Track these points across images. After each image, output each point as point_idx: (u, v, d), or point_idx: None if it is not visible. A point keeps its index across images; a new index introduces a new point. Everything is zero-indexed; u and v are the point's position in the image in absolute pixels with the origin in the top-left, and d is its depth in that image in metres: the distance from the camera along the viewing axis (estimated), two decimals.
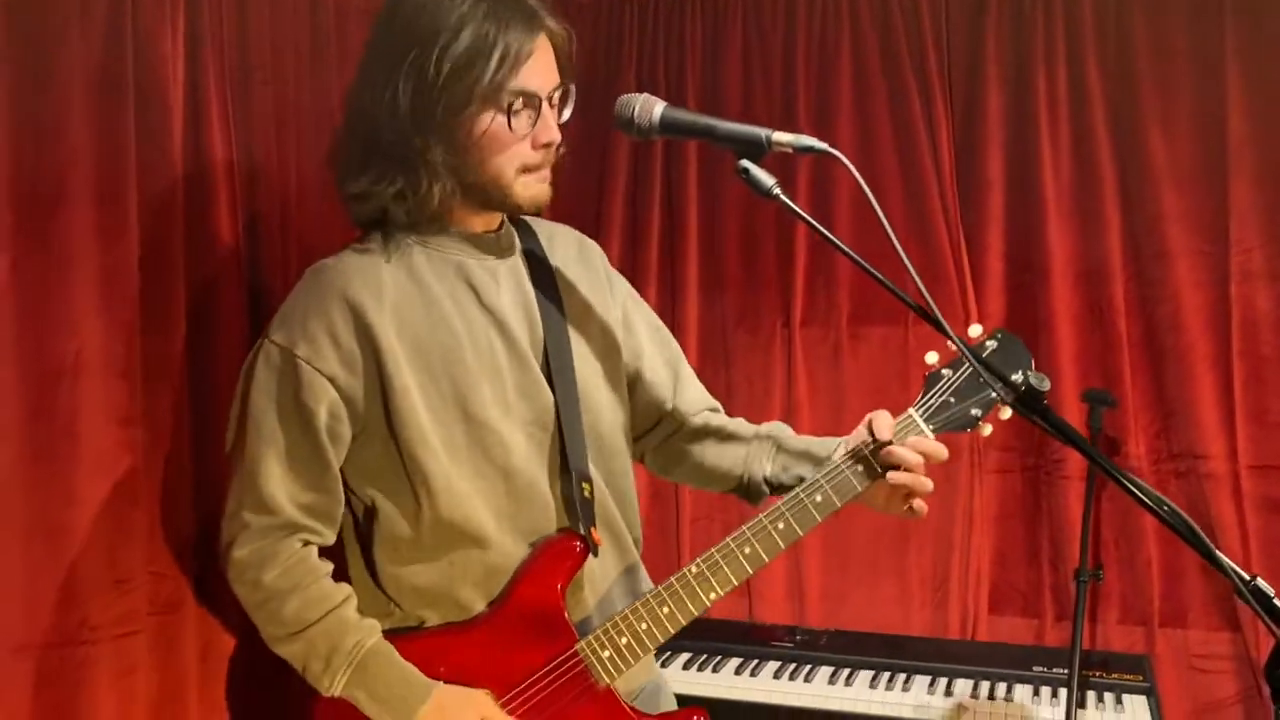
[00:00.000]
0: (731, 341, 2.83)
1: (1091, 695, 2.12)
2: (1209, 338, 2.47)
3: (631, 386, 1.68)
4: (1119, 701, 2.12)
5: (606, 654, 1.48)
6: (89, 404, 1.63)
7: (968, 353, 1.31)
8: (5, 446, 1.54)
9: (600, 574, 1.55)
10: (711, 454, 1.68)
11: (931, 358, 1.49)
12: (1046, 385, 1.31)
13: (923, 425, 1.47)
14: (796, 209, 1.40)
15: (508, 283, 1.53)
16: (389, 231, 1.50)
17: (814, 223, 1.40)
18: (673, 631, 1.48)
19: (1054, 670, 2.24)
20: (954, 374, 1.48)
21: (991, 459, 2.62)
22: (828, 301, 2.74)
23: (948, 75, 2.67)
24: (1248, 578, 1.19)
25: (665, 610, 1.47)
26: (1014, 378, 1.34)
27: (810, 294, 2.75)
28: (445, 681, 1.46)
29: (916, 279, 1.31)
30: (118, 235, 1.68)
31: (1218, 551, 1.21)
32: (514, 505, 1.50)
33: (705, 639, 2.42)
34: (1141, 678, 2.21)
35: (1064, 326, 2.55)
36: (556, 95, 1.46)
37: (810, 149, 1.38)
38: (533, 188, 1.47)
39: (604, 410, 1.59)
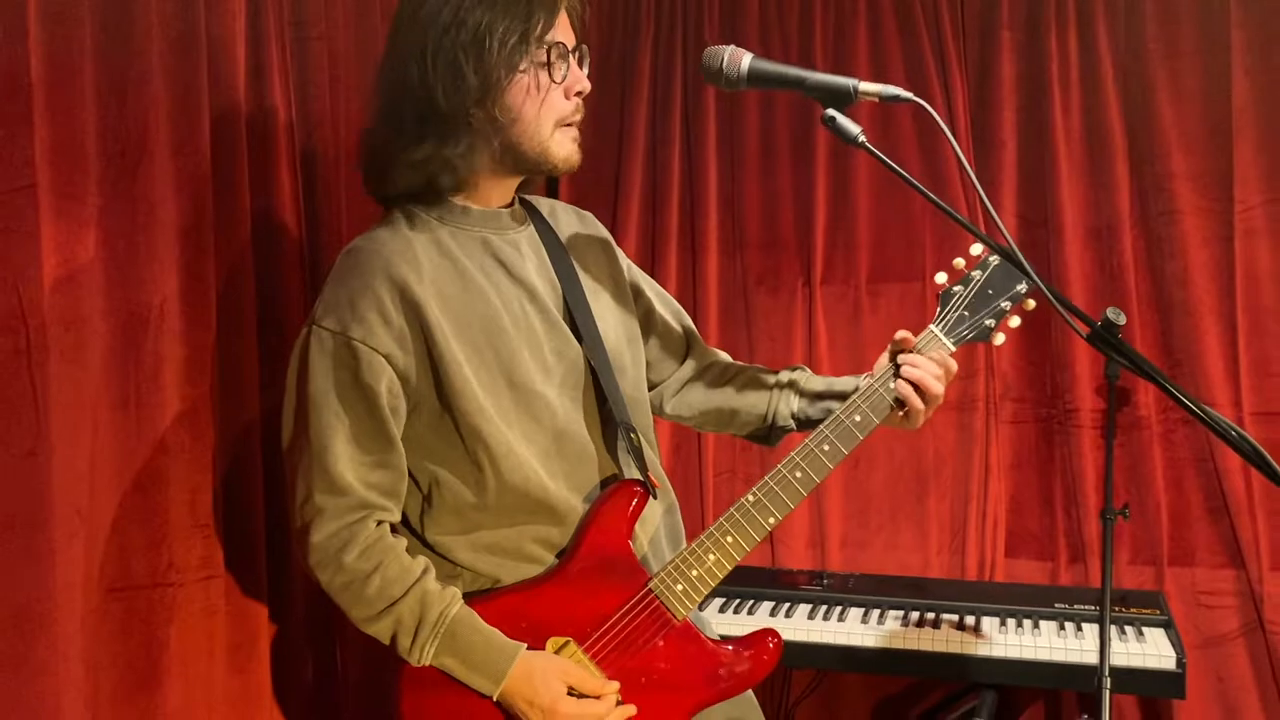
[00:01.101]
0: (752, 301, 2.91)
1: (1114, 629, 2.23)
2: (1214, 292, 2.59)
3: (647, 337, 1.76)
4: (1140, 634, 2.24)
5: (680, 588, 1.53)
6: (173, 354, 1.68)
7: (1054, 299, 1.38)
8: (98, 395, 1.57)
9: (650, 517, 1.61)
10: (735, 395, 1.75)
11: (941, 278, 1.59)
12: (1123, 320, 1.39)
13: (944, 339, 1.57)
14: (881, 155, 1.45)
15: (529, 252, 1.59)
16: (410, 210, 1.54)
17: (898, 169, 1.46)
18: (738, 559, 1.54)
19: (1075, 606, 2.35)
20: (965, 289, 1.58)
21: (1007, 410, 2.73)
22: (846, 261, 2.83)
23: (962, 38, 2.76)
24: None
25: (730, 539, 1.53)
26: (1020, 287, 1.55)
27: (829, 254, 2.84)
28: (528, 637, 1.50)
29: (995, 217, 1.36)
30: (194, 187, 1.72)
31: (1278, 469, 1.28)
32: (566, 464, 1.55)
33: (736, 585, 2.51)
34: (1159, 611, 2.33)
35: (1076, 282, 2.66)
36: (579, 54, 1.52)
37: (896, 98, 1.44)
38: (566, 145, 1.52)
39: (627, 365, 1.66)
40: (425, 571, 1.51)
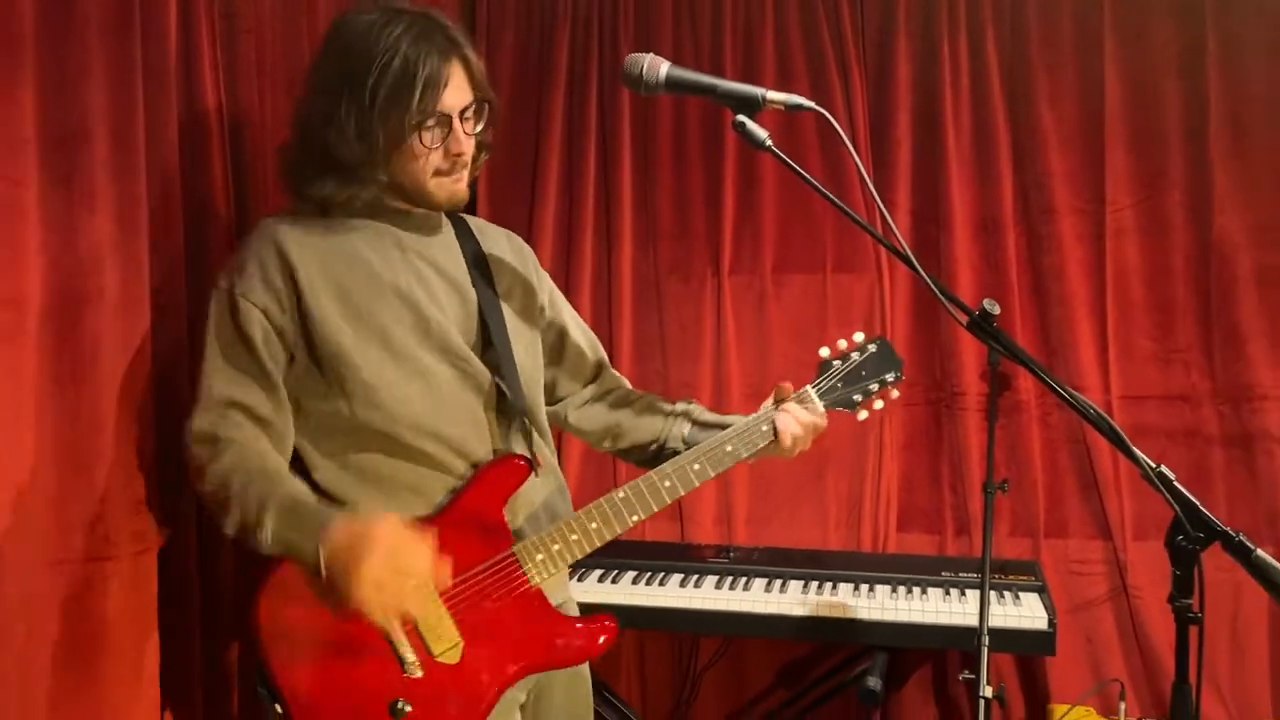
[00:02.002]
0: (665, 290, 3.04)
1: (993, 594, 2.43)
2: (1087, 286, 2.82)
3: (559, 358, 1.94)
4: (1017, 598, 2.44)
5: (540, 557, 1.68)
6: (110, 334, 1.73)
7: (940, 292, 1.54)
8: (38, 375, 1.62)
9: (533, 494, 1.75)
10: (634, 416, 1.93)
11: (824, 351, 1.83)
12: (997, 310, 1.56)
13: (817, 400, 1.81)
14: (788, 160, 1.60)
15: (437, 246, 1.77)
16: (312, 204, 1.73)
17: (803, 173, 1.61)
18: (598, 544, 1.70)
19: (959, 575, 2.55)
20: (843, 365, 1.83)
21: (900, 394, 2.91)
22: (753, 252, 2.98)
23: (862, 44, 2.93)
24: (1154, 465, 1.45)
25: (594, 526, 1.70)
26: (889, 376, 1.84)
27: (737, 245, 2.99)
28: None
29: (892, 225, 1.52)
30: (130, 172, 1.77)
31: (1133, 447, 1.46)
32: (448, 427, 1.68)
33: (647, 559, 2.65)
34: (1034, 578, 2.54)
35: (964, 274, 2.86)
36: (470, 111, 1.68)
37: (800, 106, 1.59)
38: (447, 188, 1.71)
39: (528, 368, 1.82)
40: (288, 472, 1.64)
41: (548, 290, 1.94)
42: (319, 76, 1.68)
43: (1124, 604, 2.78)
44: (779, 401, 1.81)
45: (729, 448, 1.77)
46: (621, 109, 3.03)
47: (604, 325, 3.02)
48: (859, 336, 1.84)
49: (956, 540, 2.87)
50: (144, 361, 1.79)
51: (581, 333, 1.98)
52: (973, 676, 2.18)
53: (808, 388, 1.81)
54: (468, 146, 1.69)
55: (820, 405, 1.81)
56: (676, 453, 1.85)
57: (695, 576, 2.60)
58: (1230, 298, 2.75)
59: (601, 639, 1.69)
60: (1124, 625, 2.79)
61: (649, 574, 2.62)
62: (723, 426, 1.84)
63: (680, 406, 1.93)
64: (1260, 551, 1.43)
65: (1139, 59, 2.78)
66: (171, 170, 1.87)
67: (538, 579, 1.68)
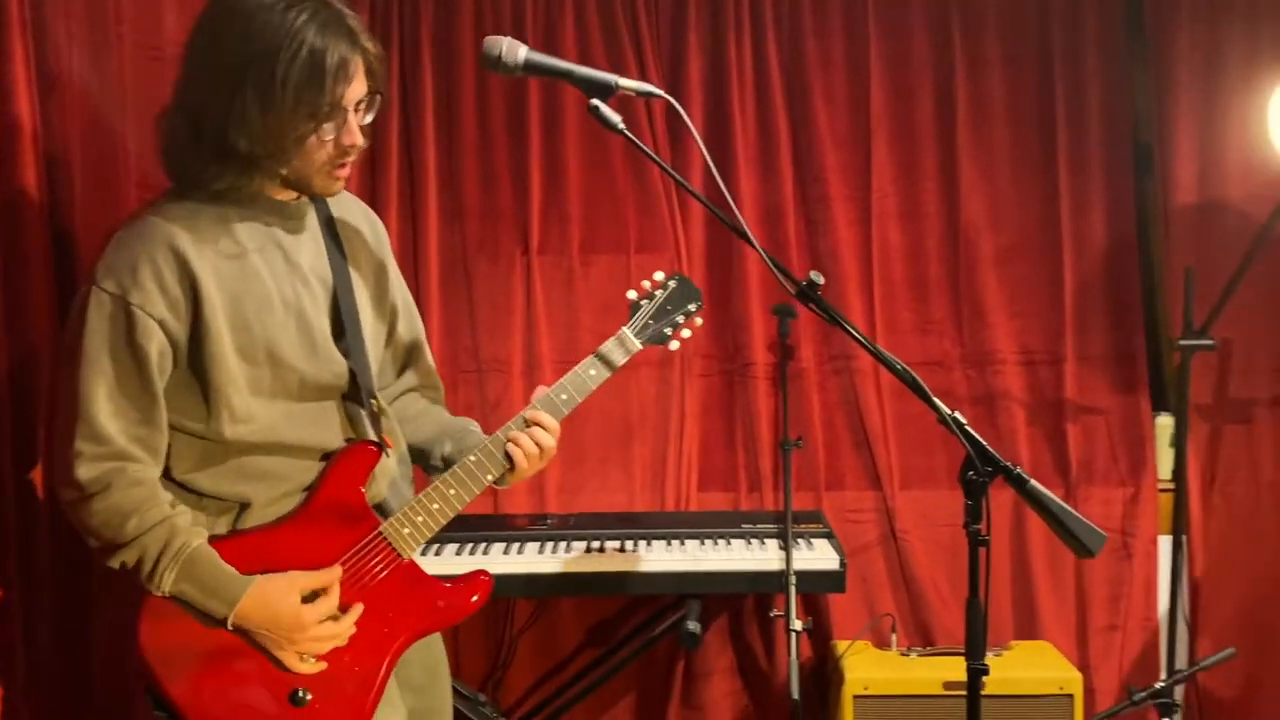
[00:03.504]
0: (473, 268, 3.14)
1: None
2: (857, 265, 3.17)
3: (387, 344, 1.96)
4: (810, 544, 2.72)
5: (406, 531, 1.74)
6: None
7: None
8: None
9: (387, 468, 1.81)
10: (412, 424, 1.96)
11: (631, 294, 1.94)
12: (821, 280, 1.79)
13: (634, 339, 1.92)
14: (638, 143, 1.76)
15: (308, 241, 1.76)
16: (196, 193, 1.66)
17: (655, 156, 1.78)
18: (459, 509, 1.78)
19: (757, 526, 2.81)
20: (650, 304, 1.95)
21: (697, 365, 3.16)
22: (561, 232, 3.13)
23: (657, 38, 3.13)
24: (950, 412, 1.71)
25: (452, 492, 1.78)
26: (691, 306, 1.94)
27: (545, 225, 3.12)
28: (262, 574, 1.62)
29: (733, 205, 1.71)
30: None
31: (932, 396, 1.71)
32: (312, 426, 1.73)
33: (469, 530, 2.74)
34: (821, 525, 2.84)
35: (752, 254, 3.10)
36: (363, 103, 1.67)
37: (649, 93, 1.75)
38: (329, 180, 1.69)
39: (377, 349, 1.88)
40: (178, 511, 1.62)
41: (394, 273, 1.95)
42: (210, 60, 1.59)
43: (892, 547, 3.15)
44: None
45: (564, 396, 1.85)
46: (424, 87, 3.08)
47: (423, 332, 3.05)
48: (659, 275, 1.95)
49: (749, 496, 3.15)
50: None
51: (408, 326, 1.97)
52: (781, 614, 2.43)
53: (624, 329, 1.90)
54: (360, 138, 1.66)
55: (638, 344, 1.90)
56: (438, 467, 1.90)
57: (517, 544, 2.72)
58: (974, 275, 3.18)
59: (475, 596, 1.79)
60: (893, 566, 3.16)
61: (470, 545, 2.72)
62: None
63: (460, 421, 1.95)
64: (1034, 482, 1.70)
65: (899, 66, 3.15)
66: None
67: (409, 551, 1.75)
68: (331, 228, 1.80)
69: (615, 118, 1.75)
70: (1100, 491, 3.16)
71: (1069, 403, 3.17)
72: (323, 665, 1.66)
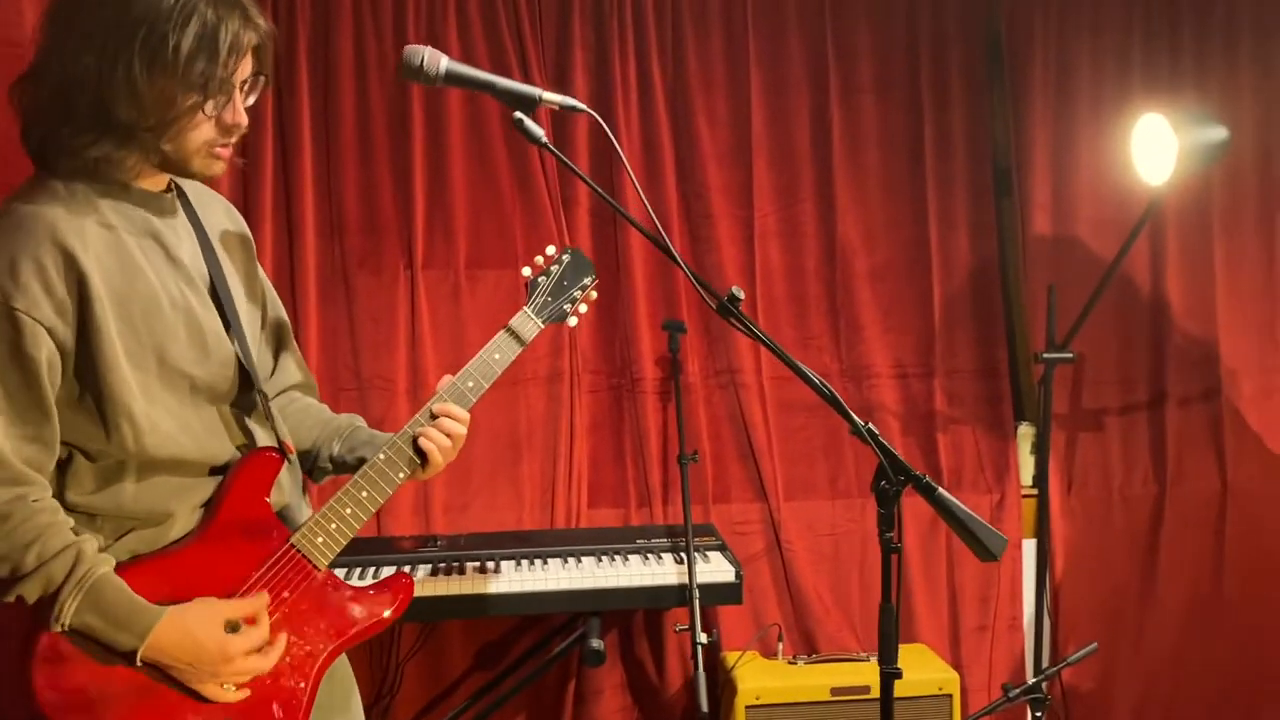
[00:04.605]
0: (354, 283, 3.05)
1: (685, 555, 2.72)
2: (741, 281, 3.22)
3: (261, 324, 1.87)
4: (706, 557, 2.75)
5: (320, 540, 1.66)
6: None
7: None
8: None
9: (289, 478, 1.74)
10: (293, 423, 1.87)
11: (526, 271, 1.91)
12: (742, 295, 1.81)
13: (535, 319, 1.88)
14: (562, 157, 1.74)
15: (185, 236, 1.67)
16: (71, 178, 1.53)
17: (579, 172, 1.77)
18: (373, 511, 1.72)
19: (652, 541, 2.82)
20: (547, 280, 1.92)
21: (586, 380, 3.15)
22: (446, 246, 3.07)
23: (542, 50, 3.11)
24: (864, 424, 1.77)
25: (364, 494, 1.71)
26: (586, 280, 1.92)
27: (429, 239, 3.06)
28: (172, 601, 1.53)
29: (654, 219, 1.72)
30: None
31: (848, 409, 1.77)
32: (208, 434, 1.64)
33: (356, 555, 2.65)
34: (714, 538, 2.87)
35: (639, 270, 3.16)
36: (248, 84, 1.60)
37: (574, 108, 1.74)
38: (209, 162, 1.60)
39: (258, 348, 1.80)
40: (83, 538, 1.50)
41: (253, 245, 1.85)
42: (86, 25, 1.47)
43: (778, 558, 3.22)
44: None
45: (470, 384, 1.79)
46: (300, 93, 2.99)
47: (288, 317, 2.94)
48: (551, 250, 1.92)
49: (639, 511, 3.16)
50: None
51: (275, 311, 1.90)
52: (686, 628, 2.44)
53: (525, 309, 1.86)
54: (244, 119, 1.58)
55: (540, 323, 1.86)
56: (326, 467, 1.84)
57: (408, 567, 2.65)
58: (851, 293, 3.29)
59: (399, 600, 1.72)
60: (778, 575, 3.22)
61: (359, 569, 2.62)
62: (374, 445, 1.80)
63: (344, 418, 1.90)
64: (941, 490, 1.77)
65: (777, 91, 3.24)
66: None
67: (324, 561, 1.67)
68: (196, 219, 1.70)
69: (539, 131, 1.73)
70: (969, 498, 3.31)
71: (939, 413, 3.32)
72: (246, 692, 1.56)
